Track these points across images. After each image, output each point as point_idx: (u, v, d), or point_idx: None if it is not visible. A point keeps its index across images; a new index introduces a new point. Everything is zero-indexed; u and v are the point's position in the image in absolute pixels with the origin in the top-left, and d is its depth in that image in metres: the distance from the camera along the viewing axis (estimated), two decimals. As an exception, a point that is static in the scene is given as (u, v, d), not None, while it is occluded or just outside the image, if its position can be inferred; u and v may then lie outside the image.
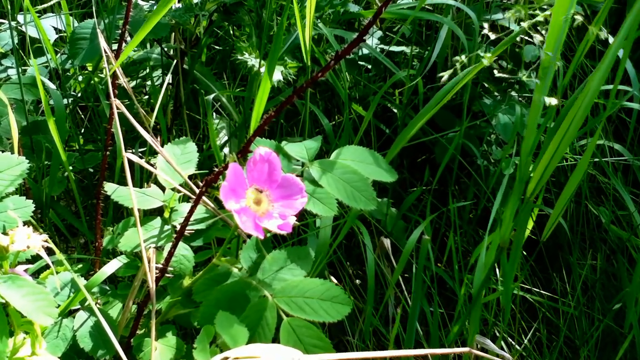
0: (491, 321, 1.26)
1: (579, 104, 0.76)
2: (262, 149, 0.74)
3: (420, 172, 1.53)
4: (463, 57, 0.70)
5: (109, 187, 0.86)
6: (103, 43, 0.80)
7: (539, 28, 0.85)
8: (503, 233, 0.84)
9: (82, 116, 1.48)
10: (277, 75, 0.96)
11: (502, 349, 1.28)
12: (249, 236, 0.82)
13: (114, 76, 0.88)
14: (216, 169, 0.77)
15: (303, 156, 0.82)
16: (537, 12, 0.81)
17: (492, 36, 0.75)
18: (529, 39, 1.53)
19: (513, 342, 1.31)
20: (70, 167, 1.24)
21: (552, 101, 0.73)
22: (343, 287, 1.31)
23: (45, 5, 1.22)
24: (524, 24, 0.75)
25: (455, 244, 1.32)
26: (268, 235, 0.84)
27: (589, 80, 0.80)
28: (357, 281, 1.44)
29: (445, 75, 0.69)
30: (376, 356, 0.54)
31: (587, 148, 0.83)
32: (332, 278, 1.38)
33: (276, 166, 0.75)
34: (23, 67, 1.29)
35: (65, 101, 1.38)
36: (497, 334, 1.29)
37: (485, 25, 0.76)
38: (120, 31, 0.95)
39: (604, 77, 0.81)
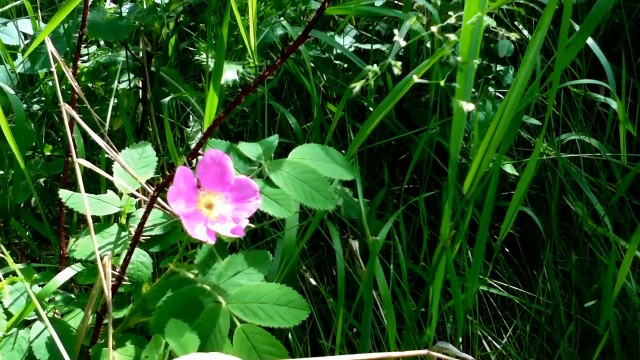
0: (471, 320, 1.24)
1: (504, 105, 0.75)
2: (212, 150, 0.72)
3: (402, 172, 1.51)
4: (375, 66, 0.69)
5: (63, 194, 0.84)
6: (50, 46, 0.78)
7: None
8: (443, 231, 0.82)
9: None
10: (232, 75, 0.93)
11: (481, 347, 1.26)
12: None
13: (67, 81, 0.86)
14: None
15: (259, 156, 0.80)
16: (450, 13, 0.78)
17: (402, 43, 0.73)
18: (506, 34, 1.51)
19: (494, 342, 1.29)
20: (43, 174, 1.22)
21: (469, 107, 0.71)
22: (324, 289, 1.29)
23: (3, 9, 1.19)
24: (434, 28, 0.72)
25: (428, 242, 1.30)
26: (226, 240, 0.82)
27: (517, 75, 0.79)
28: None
29: (357, 86, 0.67)
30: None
31: (536, 144, 0.82)
32: (312, 280, 1.36)
33: (228, 168, 0.73)
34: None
35: (36, 107, 1.36)
36: (481, 334, 1.27)
37: (396, 31, 0.74)
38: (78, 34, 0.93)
39: (526, 77, 0.79)
